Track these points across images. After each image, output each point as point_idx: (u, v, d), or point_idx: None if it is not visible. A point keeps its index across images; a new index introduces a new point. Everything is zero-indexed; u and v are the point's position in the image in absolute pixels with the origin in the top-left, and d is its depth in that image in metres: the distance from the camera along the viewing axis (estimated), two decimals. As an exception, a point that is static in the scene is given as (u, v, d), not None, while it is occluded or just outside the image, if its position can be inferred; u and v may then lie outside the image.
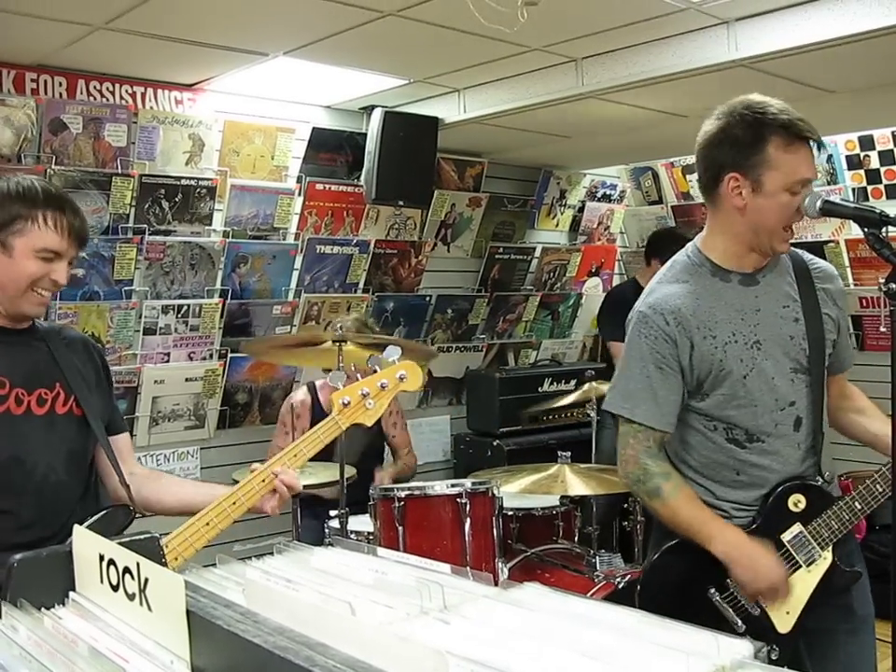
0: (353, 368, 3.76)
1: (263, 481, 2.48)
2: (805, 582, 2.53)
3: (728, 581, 2.50)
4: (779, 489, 2.54)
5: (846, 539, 2.58)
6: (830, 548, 2.54)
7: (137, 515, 2.49)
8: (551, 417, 5.90)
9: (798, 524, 2.53)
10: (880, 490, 2.52)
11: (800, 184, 2.42)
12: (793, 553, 2.52)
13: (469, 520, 3.56)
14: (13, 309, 2.39)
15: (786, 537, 2.53)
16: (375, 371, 2.72)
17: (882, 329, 5.82)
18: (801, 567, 2.52)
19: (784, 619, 2.50)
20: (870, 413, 2.77)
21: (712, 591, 2.50)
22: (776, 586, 2.45)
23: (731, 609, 2.48)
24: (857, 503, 2.53)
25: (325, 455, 2.83)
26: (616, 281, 7.50)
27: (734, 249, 2.54)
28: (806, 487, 2.56)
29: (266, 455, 4.49)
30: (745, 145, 2.43)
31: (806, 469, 2.59)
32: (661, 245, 5.39)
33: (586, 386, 4.65)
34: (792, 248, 2.64)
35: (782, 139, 2.41)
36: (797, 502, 2.54)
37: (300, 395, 4.58)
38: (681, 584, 2.50)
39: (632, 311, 2.62)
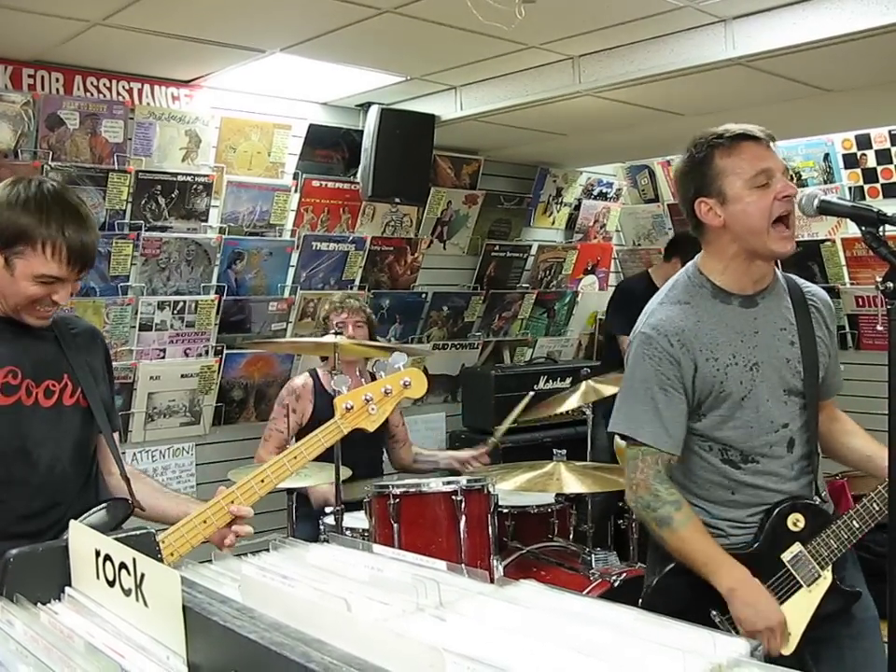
0: (357, 373, 3.77)
1: (262, 480, 2.47)
2: (807, 602, 2.52)
3: None
4: (779, 508, 2.54)
5: (844, 558, 2.58)
6: (829, 567, 2.54)
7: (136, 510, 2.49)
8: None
9: (798, 543, 2.53)
10: (877, 509, 2.53)
11: (761, 175, 2.46)
12: (794, 572, 2.52)
13: (464, 517, 3.56)
14: (16, 317, 2.39)
15: (786, 556, 2.53)
16: (380, 377, 2.73)
17: (879, 328, 5.82)
18: (801, 587, 2.52)
19: (787, 640, 2.50)
20: (860, 436, 2.79)
21: (714, 612, 2.49)
22: (773, 629, 2.42)
23: (733, 631, 2.47)
24: (855, 522, 2.54)
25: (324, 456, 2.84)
26: (612, 279, 7.50)
27: (733, 271, 2.56)
28: (805, 506, 2.56)
29: (269, 447, 4.51)
30: (698, 169, 2.53)
31: (802, 488, 2.59)
32: (686, 245, 5.38)
33: (583, 386, 4.64)
34: (787, 274, 2.69)
35: (723, 146, 2.50)
36: (796, 521, 2.54)
37: (300, 379, 4.56)
38: (683, 607, 2.47)
39: (633, 331, 2.62)
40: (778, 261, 2.66)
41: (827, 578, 2.54)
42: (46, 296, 2.34)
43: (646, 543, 2.81)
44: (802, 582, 2.51)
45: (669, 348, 2.50)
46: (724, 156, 2.48)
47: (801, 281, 2.71)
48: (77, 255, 2.33)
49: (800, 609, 2.51)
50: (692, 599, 2.49)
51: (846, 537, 2.54)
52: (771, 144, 2.52)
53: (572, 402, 4.58)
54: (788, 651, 2.48)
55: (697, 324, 2.52)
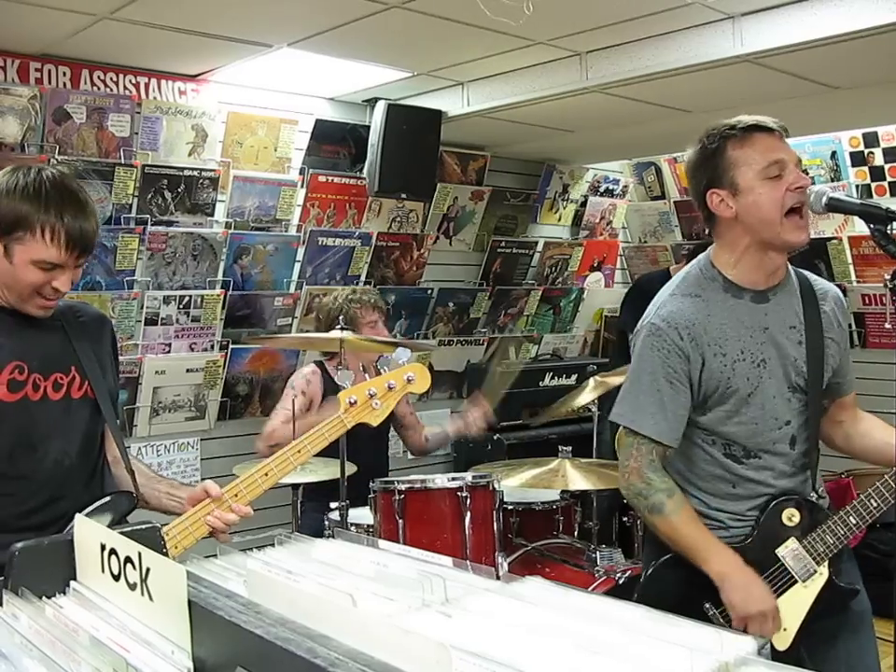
0: (361, 368, 3.76)
1: (266, 474, 2.47)
2: (802, 598, 2.52)
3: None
4: (773, 504, 2.54)
5: (840, 554, 2.57)
6: (826, 563, 2.53)
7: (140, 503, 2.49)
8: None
9: (793, 538, 2.53)
10: (875, 505, 2.52)
11: (774, 167, 2.45)
12: (789, 567, 2.52)
13: (469, 513, 3.56)
14: (19, 308, 2.37)
15: (781, 551, 2.53)
16: (384, 372, 2.73)
17: (887, 326, 5.82)
18: (797, 582, 2.52)
19: (782, 636, 2.49)
20: (884, 428, 2.76)
21: (708, 605, 2.49)
22: (766, 614, 2.42)
23: (726, 625, 2.46)
24: (851, 518, 2.53)
25: (329, 451, 2.85)
26: (618, 276, 7.51)
27: (746, 261, 2.54)
28: (800, 502, 2.56)
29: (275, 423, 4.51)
30: (710, 160, 2.52)
31: (800, 484, 2.59)
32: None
33: (591, 383, 4.63)
34: (799, 270, 2.67)
35: (735, 137, 2.49)
36: (791, 517, 2.54)
37: (308, 368, 4.56)
38: (677, 599, 2.46)
39: (642, 321, 2.62)
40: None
41: (823, 574, 2.53)
42: (46, 283, 2.31)
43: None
44: (797, 577, 2.51)
45: (679, 341, 2.49)
46: (737, 147, 2.47)
47: (812, 277, 2.69)
48: (76, 240, 2.31)
49: (795, 605, 2.51)
50: (686, 591, 2.49)
51: (842, 533, 2.53)
52: (784, 135, 2.51)
53: (583, 400, 4.58)
54: (784, 646, 2.49)
55: (708, 318, 2.51)
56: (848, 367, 2.72)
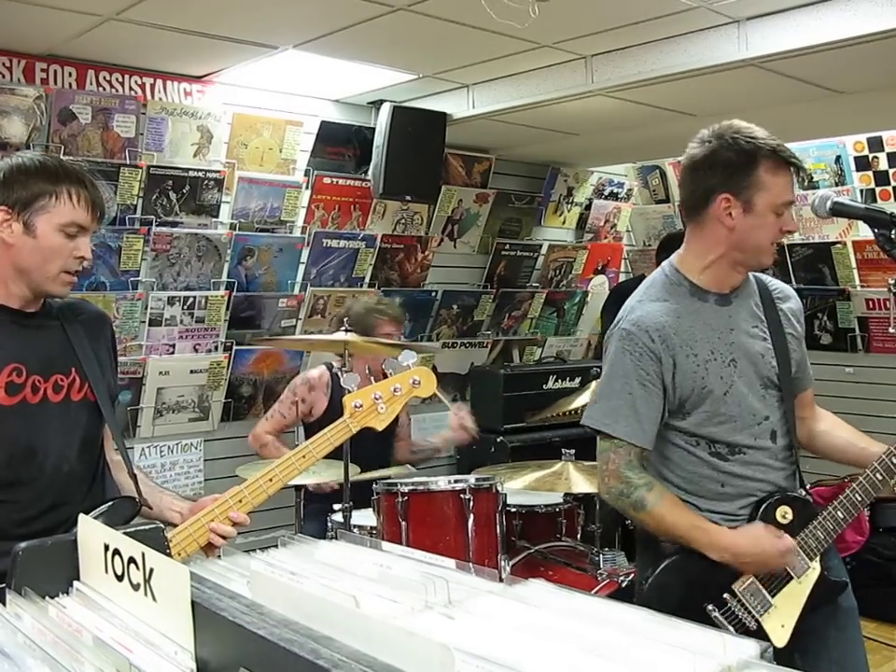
0: (367, 370, 3.73)
1: (270, 479, 2.45)
2: (798, 593, 2.54)
3: (725, 596, 2.50)
4: (767, 502, 2.56)
5: (828, 549, 2.61)
6: (817, 558, 2.57)
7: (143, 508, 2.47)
8: (555, 414, 5.89)
9: (787, 536, 2.55)
10: (860, 499, 2.56)
11: (784, 206, 2.50)
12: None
13: (472, 516, 3.55)
14: (39, 290, 2.35)
15: None
16: (390, 375, 2.72)
17: (891, 330, 5.80)
18: (792, 578, 2.54)
19: (780, 633, 2.51)
20: (846, 428, 2.84)
21: (710, 608, 2.49)
22: (787, 556, 2.48)
23: (729, 625, 2.48)
24: (839, 512, 2.57)
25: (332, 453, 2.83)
26: (622, 279, 7.48)
27: (714, 270, 2.60)
28: (792, 499, 2.59)
29: (268, 427, 4.52)
30: (737, 167, 2.50)
31: (787, 478, 2.63)
32: (674, 248, 5.37)
33: (593, 386, 4.63)
34: (756, 274, 2.73)
35: (772, 163, 2.49)
36: (784, 514, 2.56)
37: (316, 371, 4.52)
38: (678, 604, 2.48)
39: (612, 328, 2.64)
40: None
41: (816, 569, 2.57)
42: (70, 253, 2.32)
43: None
44: (792, 574, 2.54)
45: (650, 344, 2.52)
46: (769, 172, 2.48)
47: (767, 279, 2.76)
48: (97, 202, 2.39)
49: (792, 601, 2.54)
50: (687, 596, 2.50)
51: (831, 527, 2.57)
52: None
53: (581, 402, 4.58)
54: (782, 643, 2.50)
55: (677, 320, 2.55)
56: (807, 362, 2.77)
